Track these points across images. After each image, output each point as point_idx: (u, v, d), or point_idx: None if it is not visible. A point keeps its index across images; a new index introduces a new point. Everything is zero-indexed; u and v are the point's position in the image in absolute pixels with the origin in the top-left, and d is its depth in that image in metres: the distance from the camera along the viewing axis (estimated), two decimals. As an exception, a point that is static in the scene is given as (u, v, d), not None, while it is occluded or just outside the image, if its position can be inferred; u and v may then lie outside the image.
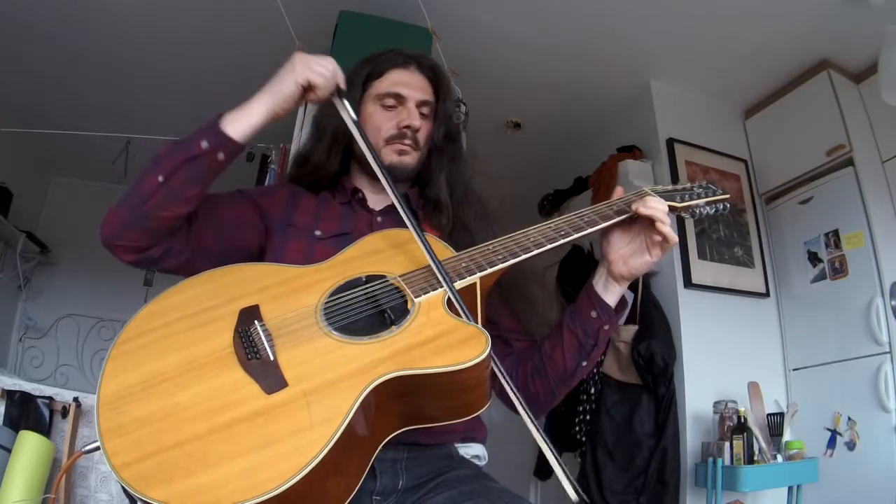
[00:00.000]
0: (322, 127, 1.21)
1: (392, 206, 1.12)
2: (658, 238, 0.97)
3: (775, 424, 2.23)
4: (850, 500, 2.17)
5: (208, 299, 0.87)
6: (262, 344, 0.80)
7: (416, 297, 0.87)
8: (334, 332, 0.83)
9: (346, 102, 1.01)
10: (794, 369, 2.61)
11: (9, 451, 1.83)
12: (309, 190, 1.20)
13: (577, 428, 2.56)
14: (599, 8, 2.45)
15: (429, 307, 0.86)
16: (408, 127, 1.14)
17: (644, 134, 2.89)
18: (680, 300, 2.54)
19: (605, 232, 1.01)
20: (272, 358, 0.79)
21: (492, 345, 0.79)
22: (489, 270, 0.92)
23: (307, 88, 0.96)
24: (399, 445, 0.90)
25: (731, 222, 2.76)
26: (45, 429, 1.91)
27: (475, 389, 0.82)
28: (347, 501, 0.75)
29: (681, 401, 2.40)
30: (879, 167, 2.49)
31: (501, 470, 1.22)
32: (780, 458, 2.12)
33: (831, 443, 2.31)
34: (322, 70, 0.96)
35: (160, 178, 0.91)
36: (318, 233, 1.09)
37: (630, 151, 2.87)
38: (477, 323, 0.84)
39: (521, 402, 0.80)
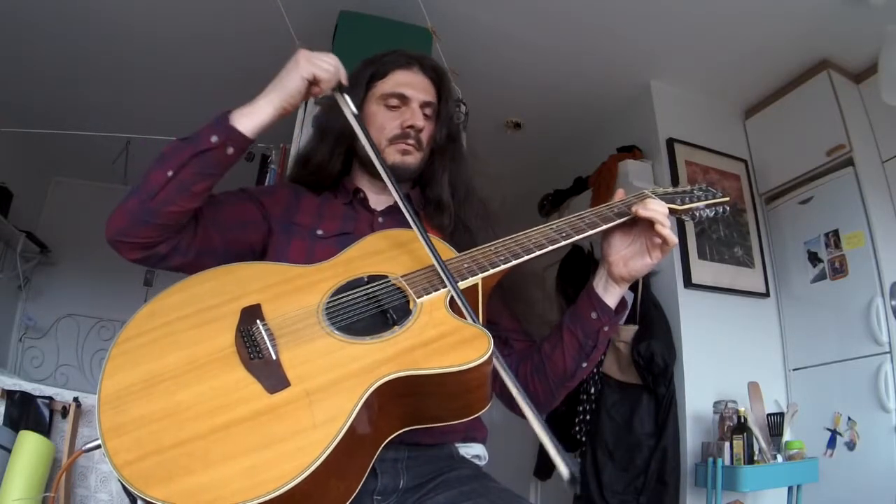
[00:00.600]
0: (325, 127, 1.21)
1: (393, 207, 1.13)
2: (658, 240, 0.97)
3: (775, 424, 2.23)
4: (850, 500, 2.17)
5: (209, 298, 0.87)
6: (265, 343, 0.80)
7: (418, 297, 0.88)
8: (336, 332, 0.83)
9: (348, 98, 1.02)
10: (794, 369, 2.61)
11: (9, 451, 1.83)
12: (310, 190, 1.20)
13: (577, 428, 2.56)
14: (599, 8, 2.45)
15: (431, 307, 0.86)
16: (411, 127, 1.14)
17: (644, 134, 2.89)
18: (680, 300, 2.54)
19: (606, 233, 1.02)
20: (274, 357, 0.79)
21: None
22: (491, 271, 0.92)
23: (312, 83, 0.98)
24: (400, 445, 0.90)
25: (731, 222, 2.76)
26: (45, 429, 1.91)
27: (477, 390, 0.82)
28: (349, 501, 0.75)
29: (681, 401, 2.40)
30: (879, 167, 2.49)
31: (501, 470, 1.22)
32: (780, 458, 2.12)
33: (831, 443, 2.31)
34: (325, 65, 0.98)
35: (169, 173, 0.92)
36: (319, 232, 1.09)
37: (630, 151, 2.87)
38: (479, 323, 0.84)
39: (520, 393, 0.80)
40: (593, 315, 1.00)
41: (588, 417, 2.54)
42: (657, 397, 2.40)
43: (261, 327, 0.82)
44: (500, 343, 1.09)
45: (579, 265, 2.80)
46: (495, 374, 0.83)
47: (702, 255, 2.63)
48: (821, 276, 2.54)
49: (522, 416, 0.81)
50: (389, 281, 0.91)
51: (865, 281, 2.33)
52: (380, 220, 1.14)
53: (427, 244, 0.91)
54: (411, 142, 1.15)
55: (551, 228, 0.99)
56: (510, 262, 0.94)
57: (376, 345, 0.81)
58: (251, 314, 0.84)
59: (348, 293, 0.89)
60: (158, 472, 0.67)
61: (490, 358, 0.78)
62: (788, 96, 2.78)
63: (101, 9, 2.60)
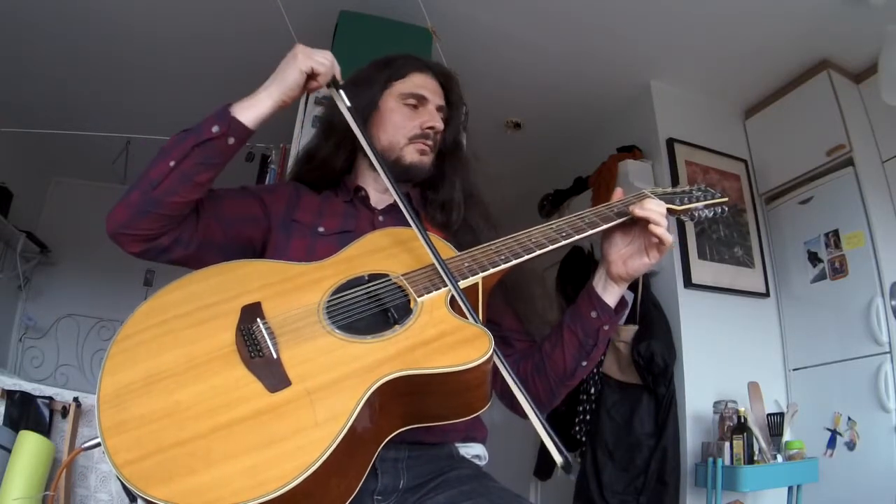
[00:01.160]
0: (332, 124, 1.22)
1: (394, 205, 1.13)
2: (654, 240, 0.97)
3: (775, 424, 2.23)
4: (850, 500, 2.17)
5: (209, 296, 0.86)
6: (265, 342, 0.80)
7: (418, 296, 0.87)
8: (337, 331, 0.83)
9: (343, 93, 1.04)
10: (794, 369, 2.61)
11: (9, 451, 1.83)
12: (312, 188, 1.21)
13: (577, 428, 2.56)
14: (599, 8, 2.45)
15: (431, 306, 0.86)
16: (431, 128, 1.17)
17: (644, 134, 2.89)
18: (680, 300, 2.54)
19: (606, 233, 1.02)
20: (275, 356, 0.79)
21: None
22: (491, 270, 0.92)
23: (310, 76, 0.99)
24: (400, 445, 0.90)
25: (731, 222, 2.76)
26: (45, 429, 1.91)
27: (477, 389, 0.82)
28: (349, 501, 0.75)
29: (681, 401, 2.40)
30: (879, 167, 2.49)
31: (501, 470, 1.23)
32: (780, 458, 2.12)
33: (831, 443, 2.31)
34: (322, 59, 1.00)
35: (171, 163, 0.93)
36: (321, 229, 1.09)
37: (630, 151, 2.87)
38: (480, 323, 0.84)
39: (519, 387, 0.80)
40: (593, 314, 1.01)
41: (588, 417, 2.54)
42: (657, 397, 2.40)
43: (261, 326, 0.82)
44: (501, 343, 1.09)
45: (579, 265, 2.81)
46: (495, 373, 0.83)
47: (702, 255, 2.63)
48: (821, 276, 2.54)
49: (522, 415, 0.81)
50: (390, 279, 0.91)
51: (865, 281, 2.33)
52: (380, 218, 1.14)
53: (426, 242, 0.91)
54: (430, 142, 1.18)
55: (552, 228, 0.99)
56: (511, 261, 0.94)
57: (377, 344, 0.81)
58: (251, 312, 0.84)
59: (349, 292, 0.89)
60: (159, 471, 0.67)
61: (491, 357, 0.78)
62: (788, 96, 2.79)
63: (102, 9, 2.60)
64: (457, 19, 2.48)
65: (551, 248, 0.96)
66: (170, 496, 0.65)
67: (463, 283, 0.89)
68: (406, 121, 1.17)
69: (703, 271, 2.61)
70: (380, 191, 1.19)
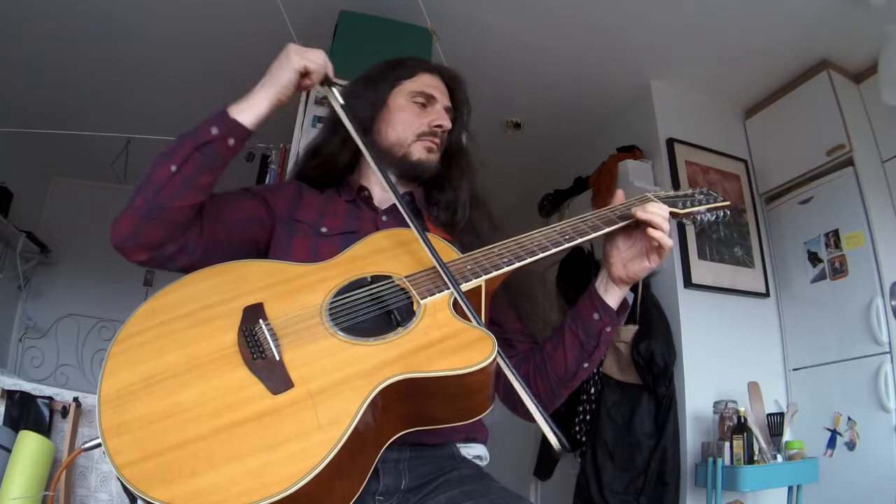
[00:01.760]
0: (338, 119, 1.22)
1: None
2: (655, 243, 0.97)
3: (775, 424, 2.23)
4: (850, 500, 2.17)
5: (210, 296, 0.86)
6: (268, 343, 0.80)
7: (422, 298, 0.87)
8: (340, 333, 0.82)
9: (336, 90, 1.06)
10: (794, 369, 2.61)
11: (9, 451, 1.83)
12: (314, 187, 1.21)
13: (577, 428, 2.56)
14: (599, 8, 2.45)
15: (434, 309, 0.86)
16: (439, 126, 1.18)
17: (644, 134, 2.89)
18: (680, 300, 2.54)
19: (609, 236, 1.03)
20: (277, 358, 0.78)
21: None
22: (494, 273, 0.92)
23: (303, 74, 1.00)
24: (402, 445, 0.90)
25: (731, 222, 2.76)
26: (45, 429, 1.91)
27: (480, 393, 0.82)
28: (352, 502, 0.75)
29: (681, 401, 2.40)
30: (879, 167, 2.49)
31: (502, 470, 1.23)
32: (780, 458, 2.12)
33: (831, 443, 2.31)
34: (315, 58, 1.01)
35: (173, 168, 0.92)
36: (324, 230, 1.09)
37: (630, 151, 2.87)
38: (483, 325, 0.84)
39: (521, 384, 0.80)
40: (595, 316, 1.01)
41: (588, 417, 2.54)
42: (657, 397, 2.40)
43: (263, 327, 0.82)
44: (503, 345, 1.08)
45: (579, 266, 2.80)
46: (497, 376, 0.83)
47: (702, 255, 2.63)
48: (821, 276, 2.54)
49: (525, 417, 0.81)
50: (393, 281, 0.91)
51: (865, 281, 2.33)
52: (383, 218, 1.14)
53: (427, 245, 0.91)
54: (437, 140, 1.19)
55: (555, 231, 0.99)
56: (513, 264, 0.94)
57: (380, 346, 0.80)
58: (254, 313, 0.84)
59: (352, 293, 0.89)
60: (161, 473, 0.66)
61: (494, 361, 0.78)
62: (788, 96, 2.79)
63: (101, 9, 2.60)
64: (457, 19, 2.48)
65: (554, 250, 0.97)
66: (171, 498, 0.64)
67: (466, 286, 0.89)
68: (414, 118, 1.18)
69: (703, 271, 2.61)
70: (383, 189, 1.19)
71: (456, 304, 0.87)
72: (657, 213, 0.97)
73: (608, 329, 1.01)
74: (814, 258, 2.58)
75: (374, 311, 0.86)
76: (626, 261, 1.01)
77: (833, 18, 2.38)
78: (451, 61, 2.13)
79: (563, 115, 3.20)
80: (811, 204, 2.63)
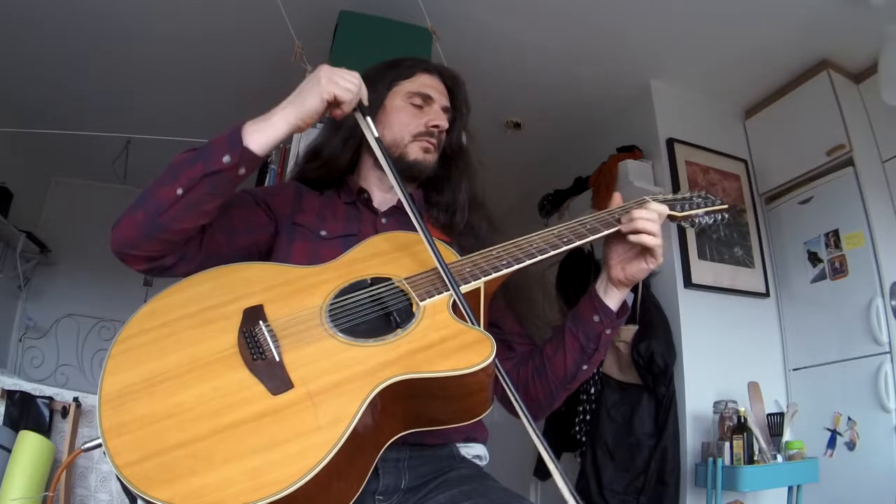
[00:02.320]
0: (340, 121, 1.22)
1: (397, 207, 1.14)
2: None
3: (775, 424, 2.23)
4: (850, 500, 2.17)
5: (211, 298, 0.86)
6: (268, 344, 0.80)
7: (421, 300, 0.88)
8: (339, 334, 0.83)
9: (369, 120, 1.01)
10: (794, 369, 2.61)
11: (9, 451, 1.83)
12: (314, 188, 1.21)
13: (577, 428, 2.56)
14: (599, 8, 2.45)
15: (433, 310, 0.86)
16: (436, 127, 1.17)
17: (644, 134, 2.89)
18: (680, 300, 2.54)
19: (608, 238, 1.03)
20: (277, 359, 0.79)
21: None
22: (493, 275, 0.92)
23: (332, 104, 0.94)
24: (402, 445, 0.90)
25: (731, 222, 2.76)
26: (45, 429, 1.91)
27: (479, 394, 0.82)
28: (351, 502, 0.75)
29: (681, 401, 2.40)
30: (879, 167, 2.49)
31: (502, 470, 1.23)
32: (780, 458, 2.12)
33: (831, 443, 2.31)
34: (348, 85, 0.94)
35: (179, 191, 0.89)
36: (323, 233, 1.09)
37: (630, 151, 2.87)
38: (481, 327, 0.84)
39: (521, 407, 0.80)
40: (595, 318, 1.01)
41: (588, 418, 2.54)
42: (657, 397, 2.40)
43: (263, 328, 0.82)
44: (502, 346, 1.08)
45: (579, 266, 2.80)
46: (496, 377, 0.84)
47: (702, 255, 2.63)
48: (821, 276, 2.54)
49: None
50: (393, 283, 0.91)
51: (865, 281, 2.33)
52: (383, 221, 1.15)
53: (431, 247, 0.91)
54: (434, 141, 1.18)
55: (554, 234, 1.00)
56: (512, 266, 0.94)
57: (379, 347, 0.81)
58: (254, 315, 0.84)
59: (351, 295, 0.89)
60: (161, 473, 0.67)
61: (493, 362, 0.79)
62: (788, 96, 2.78)
63: (101, 9, 2.59)
64: (457, 19, 2.48)
65: (553, 253, 0.97)
66: (171, 498, 0.65)
67: (465, 288, 0.89)
68: (411, 119, 1.17)
69: (703, 271, 2.61)
70: (384, 190, 1.19)
71: (455, 306, 0.87)
72: (641, 217, 0.97)
73: (608, 331, 1.02)
74: (814, 258, 2.58)
75: (373, 313, 0.87)
76: (625, 263, 1.02)
77: (833, 18, 2.38)
78: (451, 61, 2.13)
79: (563, 115, 3.20)
80: (811, 204, 2.63)
